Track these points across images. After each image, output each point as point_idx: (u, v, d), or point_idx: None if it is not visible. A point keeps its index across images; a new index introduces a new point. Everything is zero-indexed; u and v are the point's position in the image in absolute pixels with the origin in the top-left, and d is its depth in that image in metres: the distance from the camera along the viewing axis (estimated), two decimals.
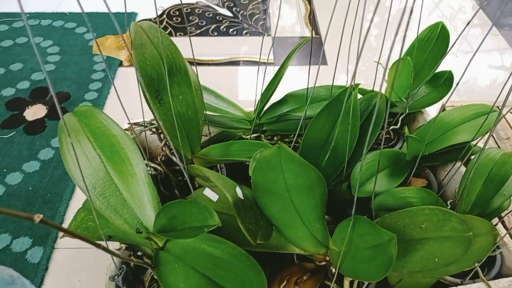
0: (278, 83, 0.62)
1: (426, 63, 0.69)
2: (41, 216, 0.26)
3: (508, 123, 0.84)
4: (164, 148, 0.63)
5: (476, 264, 0.51)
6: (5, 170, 0.80)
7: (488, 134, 0.51)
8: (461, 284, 0.51)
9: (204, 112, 0.60)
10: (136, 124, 0.62)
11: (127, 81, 0.99)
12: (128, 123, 0.62)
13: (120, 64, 1.02)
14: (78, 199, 0.78)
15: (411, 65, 0.60)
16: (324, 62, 1.07)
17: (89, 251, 0.72)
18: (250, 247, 0.47)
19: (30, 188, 0.78)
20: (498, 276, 0.53)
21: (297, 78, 1.01)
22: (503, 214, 0.56)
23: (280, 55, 1.08)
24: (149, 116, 0.59)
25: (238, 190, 0.46)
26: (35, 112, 0.92)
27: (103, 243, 0.39)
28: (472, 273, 0.52)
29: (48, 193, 0.77)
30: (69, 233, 0.29)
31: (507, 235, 0.55)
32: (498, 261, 0.54)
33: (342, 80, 0.66)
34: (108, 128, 0.49)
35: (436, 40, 0.69)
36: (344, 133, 0.50)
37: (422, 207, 0.46)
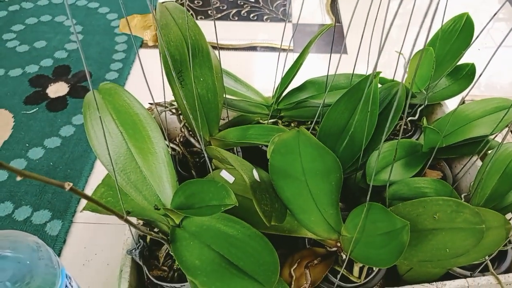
0: (298, 69, 0.63)
1: (448, 55, 0.68)
2: (71, 184, 0.27)
3: None
4: (183, 129, 0.64)
5: (487, 257, 0.51)
6: (27, 145, 0.83)
7: (507, 128, 0.51)
8: (470, 276, 0.51)
9: (224, 95, 0.61)
10: (157, 104, 0.63)
11: (147, 62, 1.01)
12: (150, 103, 0.64)
13: (141, 45, 1.03)
14: (96, 176, 0.80)
15: (433, 56, 0.60)
16: (345, 51, 1.06)
17: (106, 226, 0.74)
18: (263, 229, 0.48)
19: (51, 164, 0.81)
20: (509, 270, 0.53)
21: (315, 66, 1.01)
22: None
23: (300, 42, 1.08)
24: (168, 97, 0.60)
25: (255, 173, 0.47)
26: (57, 89, 0.94)
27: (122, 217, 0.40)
28: (482, 266, 0.52)
29: (68, 169, 0.80)
30: (94, 201, 0.30)
31: None
32: (509, 256, 0.54)
33: (362, 69, 0.66)
34: (131, 107, 0.51)
35: (460, 32, 0.68)
36: (362, 121, 0.50)
37: (436, 198, 0.46)
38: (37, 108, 0.90)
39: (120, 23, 0.45)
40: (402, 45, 0.61)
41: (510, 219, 0.55)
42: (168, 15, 0.52)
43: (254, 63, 1.03)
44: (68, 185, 0.27)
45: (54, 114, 0.89)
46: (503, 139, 0.47)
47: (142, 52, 1.03)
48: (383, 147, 0.55)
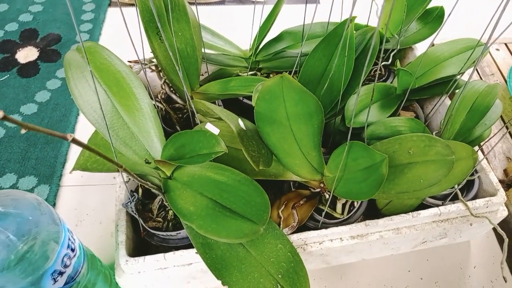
0: (274, 20, 0.63)
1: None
2: (73, 135, 0.28)
3: (494, 59, 0.87)
4: (163, 86, 0.64)
5: (456, 186, 0.56)
6: None
7: (473, 67, 0.54)
8: (442, 205, 0.56)
9: (202, 49, 0.62)
10: (135, 62, 0.63)
11: (119, 20, 0.98)
12: (129, 61, 0.64)
13: (110, 4, 1.00)
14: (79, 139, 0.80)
15: (404, 0, 0.62)
16: (316, 1, 1.06)
17: (94, 188, 0.75)
18: (251, 176, 0.50)
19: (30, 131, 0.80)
20: (476, 197, 0.58)
21: (290, 18, 1.01)
22: (482, 143, 0.60)
23: None
24: (146, 55, 0.60)
25: (240, 122, 0.49)
26: (26, 54, 0.91)
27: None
28: (452, 195, 0.57)
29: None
30: (92, 150, 0.31)
31: (485, 161, 0.59)
32: (476, 184, 0.59)
33: (337, 19, 0.67)
34: (112, 64, 0.51)
35: None
36: (340, 66, 0.52)
37: (411, 135, 0.50)
38: (8, 75, 0.88)
39: None
40: None
41: (477, 151, 0.59)
42: None
43: (227, 17, 1.02)
44: (70, 136, 0.28)
45: (26, 80, 0.87)
46: (470, 77, 0.51)
47: (111, 11, 1.00)
48: (361, 90, 0.57)
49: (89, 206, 0.73)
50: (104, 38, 0.95)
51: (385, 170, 0.41)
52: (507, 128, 0.77)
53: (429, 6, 0.71)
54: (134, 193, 0.51)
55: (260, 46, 0.68)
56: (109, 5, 1.00)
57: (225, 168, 0.47)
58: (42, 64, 0.90)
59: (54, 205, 0.73)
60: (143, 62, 0.63)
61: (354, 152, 0.45)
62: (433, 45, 0.77)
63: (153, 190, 0.48)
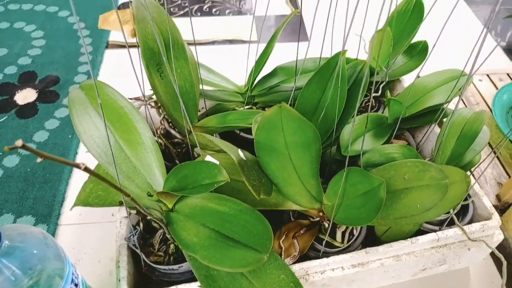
0: (268, 56, 0.67)
1: (403, 34, 0.74)
2: (85, 164, 0.29)
3: (478, 90, 0.91)
4: (163, 122, 0.66)
5: (452, 211, 0.57)
6: (1, 153, 0.82)
7: (458, 96, 0.57)
8: (439, 230, 0.57)
9: (200, 85, 0.64)
10: (136, 99, 0.65)
11: (116, 61, 1.01)
12: (129, 98, 0.65)
13: (107, 46, 1.04)
14: (77, 178, 0.80)
15: (390, 35, 0.65)
16: (306, 38, 1.11)
17: (92, 226, 0.75)
18: (252, 207, 0.51)
19: (29, 170, 0.80)
20: (471, 222, 0.59)
21: (281, 55, 1.05)
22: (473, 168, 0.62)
23: (264, 33, 1.12)
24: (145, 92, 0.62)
25: (240, 153, 0.50)
26: (25, 96, 0.93)
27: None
28: (448, 220, 0.58)
29: (47, 173, 0.80)
30: (102, 178, 0.32)
31: (477, 185, 0.61)
32: (470, 209, 0.61)
33: (327, 54, 0.71)
34: (115, 100, 0.53)
35: (412, 12, 0.74)
36: (333, 97, 0.55)
37: (405, 160, 0.52)
38: (7, 116, 0.89)
39: (99, 19, 0.47)
40: (362, 29, 0.65)
41: (469, 176, 0.61)
42: (144, 10, 0.54)
43: (221, 56, 1.06)
44: (82, 165, 0.29)
45: (25, 121, 0.88)
46: (456, 104, 0.53)
47: (109, 52, 1.03)
48: (355, 120, 0.60)
49: (87, 244, 0.72)
50: (102, 78, 0.98)
51: (383, 194, 0.42)
52: (494, 153, 0.79)
53: (414, 41, 0.76)
54: (136, 227, 0.52)
55: (255, 82, 0.70)
56: (106, 47, 1.04)
57: (226, 198, 0.48)
58: (40, 105, 0.91)
59: None
60: (143, 98, 0.65)
61: (352, 178, 0.46)
62: (419, 76, 0.80)
63: (155, 223, 0.49)
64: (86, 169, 0.30)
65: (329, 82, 0.54)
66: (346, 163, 0.44)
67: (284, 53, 1.06)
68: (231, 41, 1.10)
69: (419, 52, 0.76)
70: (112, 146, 0.50)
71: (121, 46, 1.02)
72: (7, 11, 1.17)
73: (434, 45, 0.57)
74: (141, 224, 0.58)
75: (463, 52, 1.12)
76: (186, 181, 0.47)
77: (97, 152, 0.49)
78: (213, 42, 1.09)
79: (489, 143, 0.82)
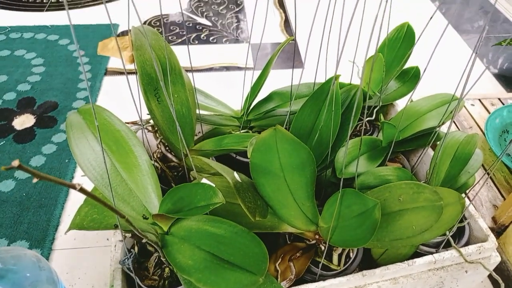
0: (264, 81, 0.68)
1: (395, 60, 0.76)
2: (81, 184, 0.30)
3: (470, 114, 0.93)
4: (159, 146, 0.67)
5: (448, 233, 0.57)
6: None
7: (451, 119, 0.58)
8: (436, 252, 0.57)
9: (197, 110, 0.65)
10: (133, 123, 0.66)
11: (115, 87, 1.03)
12: (126, 122, 0.66)
13: (105, 73, 1.05)
14: (73, 203, 0.80)
15: (383, 61, 0.67)
16: (301, 65, 1.13)
17: (86, 250, 0.74)
18: (251, 229, 0.51)
19: (24, 194, 0.80)
20: (467, 244, 0.59)
21: (277, 80, 1.07)
22: (468, 190, 0.63)
23: (260, 60, 1.14)
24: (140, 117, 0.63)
25: (236, 175, 0.50)
26: (23, 121, 0.94)
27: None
28: (444, 242, 0.58)
29: (43, 197, 0.80)
30: (95, 198, 0.32)
31: (473, 207, 0.61)
32: (466, 231, 0.61)
33: (321, 79, 0.73)
34: (112, 124, 0.53)
35: (403, 39, 0.76)
36: (328, 121, 0.56)
37: (399, 182, 0.52)
38: (4, 141, 0.89)
39: (99, 46, 0.48)
40: (355, 55, 0.67)
41: (464, 198, 0.61)
42: (142, 37, 0.56)
43: (218, 82, 1.08)
44: (78, 186, 0.30)
45: (22, 146, 0.89)
46: (449, 127, 0.54)
47: (107, 79, 1.05)
48: (349, 143, 0.60)
49: (81, 269, 0.72)
50: (100, 103, 0.99)
51: (378, 214, 0.43)
52: (488, 174, 0.80)
53: (406, 67, 0.78)
54: (132, 250, 0.51)
55: (251, 106, 0.71)
56: (105, 74, 1.06)
57: (222, 221, 0.48)
58: (38, 130, 0.92)
59: None
60: (141, 123, 0.66)
61: (347, 200, 0.46)
62: (412, 101, 0.82)
63: (150, 247, 0.48)
64: (82, 190, 0.30)
65: (323, 106, 0.55)
66: (341, 185, 0.45)
67: (280, 79, 1.08)
68: (227, 68, 1.12)
69: (411, 77, 0.78)
70: (108, 168, 0.51)
71: (120, 72, 1.04)
72: (8, 39, 1.19)
73: (425, 69, 0.58)
74: (136, 248, 0.57)
75: (454, 78, 1.15)
76: (181, 204, 0.47)
77: (93, 174, 0.49)
78: (210, 69, 1.11)
79: (483, 166, 0.83)
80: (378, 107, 0.74)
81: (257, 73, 0.69)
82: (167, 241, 0.49)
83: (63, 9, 1.33)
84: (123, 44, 0.49)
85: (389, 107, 0.80)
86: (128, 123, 0.67)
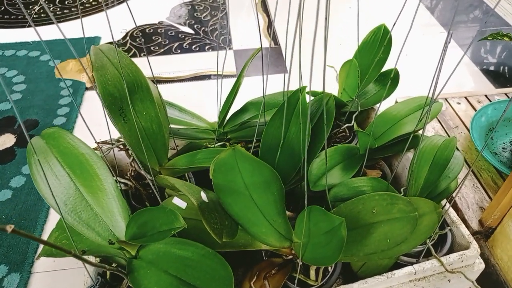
0: (236, 93, 0.66)
1: (373, 63, 0.74)
2: (12, 226, 0.28)
3: (456, 113, 0.91)
4: (133, 164, 0.65)
5: (428, 242, 0.56)
6: None
7: (423, 124, 0.56)
8: (416, 262, 0.55)
9: (168, 125, 0.64)
10: (104, 142, 0.64)
11: (95, 103, 1.02)
12: (96, 142, 0.65)
13: (87, 88, 1.04)
14: (52, 223, 0.79)
15: (356, 66, 0.65)
16: (285, 70, 1.12)
17: (65, 272, 0.73)
18: (220, 248, 0.50)
19: (3, 217, 0.79)
20: (450, 252, 0.57)
21: (260, 88, 1.06)
22: (454, 195, 0.61)
23: (241, 66, 1.13)
24: (117, 134, 0.61)
25: (203, 194, 0.49)
26: (4, 141, 0.93)
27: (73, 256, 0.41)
28: (424, 251, 0.56)
29: (22, 219, 0.79)
30: (44, 242, 0.31)
31: (454, 213, 0.59)
32: (449, 238, 0.59)
33: (304, 82, 0.72)
34: (76, 148, 0.52)
35: (380, 41, 0.74)
36: (298, 132, 0.54)
37: (373, 194, 0.50)
38: None
39: (56, 69, 0.47)
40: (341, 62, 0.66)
41: (444, 206, 0.60)
42: (103, 56, 0.54)
43: (201, 91, 1.07)
44: (9, 227, 0.28)
45: (2, 167, 0.87)
46: (422, 132, 0.52)
47: (88, 94, 1.04)
48: (322, 155, 0.59)
49: None
50: (81, 121, 0.98)
51: (344, 232, 0.41)
52: (473, 172, 0.78)
53: (386, 69, 0.76)
54: (99, 277, 0.50)
55: (227, 117, 0.70)
56: (86, 88, 1.05)
57: (189, 243, 0.47)
58: (18, 150, 0.91)
59: None
60: (110, 142, 0.64)
61: (314, 217, 0.45)
62: (396, 102, 0.80)
63: (116, 272, 0.47)
64: (15, 231, 0.29)
65: (293, 117, 0.53)
66: (306, 201, 0.43)
67: (268, 86, 1.06)
68: (209, 76, 1.10)
69: (391, 79, 0.76)
70: (72, 194, 0.49)
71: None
72: None
73: (395, 61, 0.57)
74: (108, 272, 0.56)
75: (419, 80, 1.12)
76: (146, 228, 0.46)
77: (56, 202, 0.48)
78: (193, 78, 1.10)
79: (469, 166, 0.81)
80: (357, 113, 0.72)
81: (243, 81, 0.67)
82: (134, 265, 0.47)
83: (45, 24, 1.32)
84: (81, 67, 0.48)
85: (369, 111, 0.79)
86: (98, 142, 0.66)
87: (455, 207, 0.73)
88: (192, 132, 0.70)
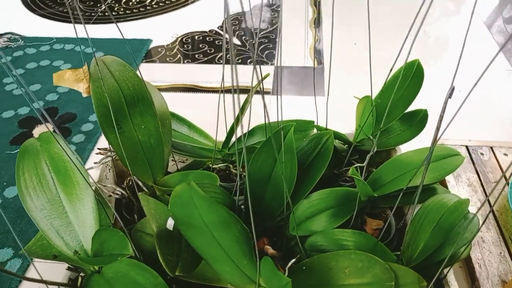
0: (243, 116, 0.65)
1: (400, 100, 0.68)
2: None
3: (500, 165, 0.80)
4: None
5: None
6: (5, 184, 0.87)
7: (423, 176, 0.50)
8: None
9: (169, 141, 0.63)
10: (105, 149, 0.66)
11: None
12: (98, 148, 0.67)
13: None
14: None
15: (371, 103, 0.60)
16: (322, 93, 1.07)
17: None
18: (188, 278, 0.48)
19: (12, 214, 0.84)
20: None
21: (299, 109, 1.02)
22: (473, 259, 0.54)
23: (279, 84, 1.10)
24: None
25: (170, 222, 0.47)
26: (41, 131, 0.99)
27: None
28: None
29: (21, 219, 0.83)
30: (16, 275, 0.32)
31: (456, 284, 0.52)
32: None
33: (337, 112, 0.67)
34: (64, 154, 0.53)
35: (412, 77, 0.68)
36: (286, 169, 0.51)
37: (349, 251, 0.46)
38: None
39: (54, 77, 0.49)
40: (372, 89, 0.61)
41: (445, 275, 0.53)
42: (104, 68, 0.55)
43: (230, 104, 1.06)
44: None
45: None
46: (419, 187, 0.47)
47: None
48: (314, 195, 0.55)
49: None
50: None
51: None
52: (505, 244, 0.68)
53: (416, 108, 0.70)
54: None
55: (233, 139, 0.68)
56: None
57: (146, 268, 0.46)
58: None
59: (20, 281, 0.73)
60: (110, 150, 0.66)
61: (265, 270, 0.41)
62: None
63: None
64: None
65: (280, 153, 0.50)
66: (255, 251, 0.40)
67: (302, 106, 1.03)
68: (243, 91, 1.09)
69: (418, 121, 0.69)
70: (51, 199, 0.51)
71: None
72: (51, 50, 1.28)
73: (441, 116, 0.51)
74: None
75: (467, 123, 1.01)
76: (103, 247, 0.46)
77: (33, 204, 0.49)
78: (227, 91, 1.09)
79: (500, 230, 0.71)
80: (371, 153, 0.66)
81: (275, 98, 0.65)
82: (92, 281, 0.47)
83: (107, 22, 1.40)
84: (78, 76, 0.49)
85: (391, 152, 0.72)
86: (100, 149, 0.67)
87: (472, 275, 0.64)
88: (196, 150, 0.69)
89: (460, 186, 0.79)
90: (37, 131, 1.00)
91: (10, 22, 1.41)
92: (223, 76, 0.63)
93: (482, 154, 0.84)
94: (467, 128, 1.00)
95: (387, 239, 0.60)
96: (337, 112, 1.01)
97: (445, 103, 0.39)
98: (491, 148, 0.84)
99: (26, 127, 1.01)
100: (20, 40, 1.32)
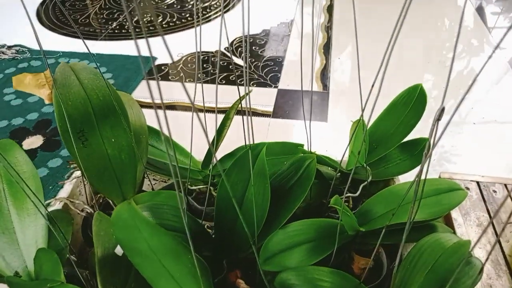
0: (224, 136, 0.60)
1: (400, 126, 0.62)
2: None
3: None
4: None
5: None
6: None
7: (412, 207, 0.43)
8: None
9: (145, 157, 0.59)
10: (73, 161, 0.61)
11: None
12: (68, 161, 0.62)
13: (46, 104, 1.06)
14: None
15: (362, 128, 0.54)
16: (325, 118, 1.02)
17: None
18: None
19: None
20: None
21: (298, 132, 0.97)
22: None
23: (282, 107, 1.05)
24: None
25: (119, 247, 0.42)
26: (32, 142, 0.97)
27: None
28: None
29: None
30: None
31: None
32: None
33: (340, 135, 0.62)
34: (21, 164, 0.49)
35: (414, 103, 0.63)
36: (258, 195, 0.45)
37: None
38: None
39: (13, 80, 0.46)
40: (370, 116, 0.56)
41: None
42: (71, 74, 0.51)
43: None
44: None
45: None
46: (408, 224, 0.40)
47: None
48: (292, 226, 0.49)
49: None
50: None
51: None
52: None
53: (418, 136, 0.64)
54: None
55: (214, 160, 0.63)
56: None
57: None
58: (40, 153, 0.94)
59: None
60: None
61: None
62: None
63: None
64: None
65: (253, 177, 0.44)
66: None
67: (303, 131, 0.97)
68: (240, 112, 1.05)
69: (421, 150, 0.63)
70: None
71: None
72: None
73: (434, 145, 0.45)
74: None
75: (481, 157, 0.93)
76: (42, 269, 0.40)
77: None
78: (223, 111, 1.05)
79: None
80: (366, 183, 0.60)
81: (274, 121, 0.61)
82: None
83: (114, 39, 1.40)
84: (39, 81, 0.46)
85: (389, 182, 0.65)
86: (70, 161, 0.63)
87: None
88: (174, 169, 0.64)
89: (468, 225, 0.71)
90: (28, 142, 0.97)
91: (21, 35, 1.43)
92: (202, 95, 0.59)
93: (494, 191, 0.76)
94: (480, 163, 0.92)
95: (377, 281, 0.53)
96: (339, 138, 0.95)
97: (433, 125, 0.33)
98: (505, 185, 0.76)
99: (17, 137, 0.98)
100: (27, 53, 1.33)
